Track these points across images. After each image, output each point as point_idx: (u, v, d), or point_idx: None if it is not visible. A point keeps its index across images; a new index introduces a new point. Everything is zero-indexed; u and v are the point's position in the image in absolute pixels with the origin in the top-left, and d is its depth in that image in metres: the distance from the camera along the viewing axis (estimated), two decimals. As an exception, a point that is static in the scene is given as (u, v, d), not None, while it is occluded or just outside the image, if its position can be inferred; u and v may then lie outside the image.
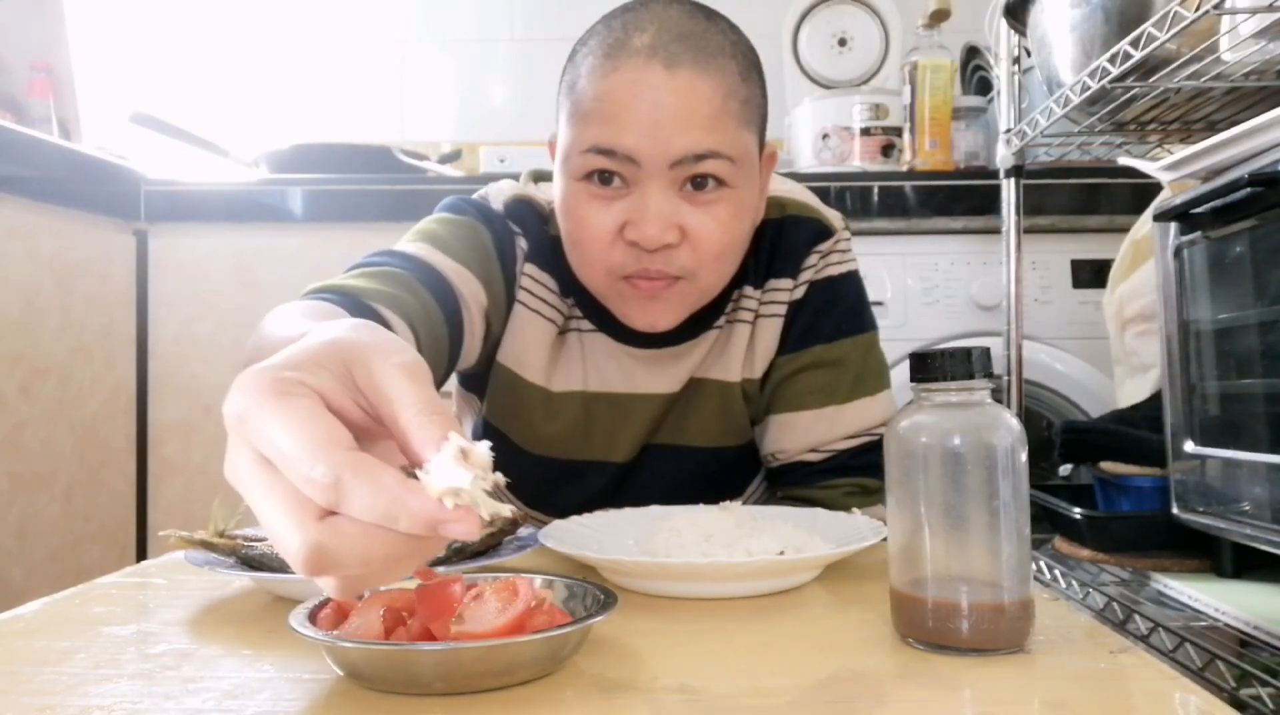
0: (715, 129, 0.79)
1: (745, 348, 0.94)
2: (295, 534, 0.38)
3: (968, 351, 0.54)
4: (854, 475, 0.92)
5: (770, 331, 0.94)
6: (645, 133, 0.78)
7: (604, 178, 0.80)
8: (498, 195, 0.94)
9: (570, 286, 0.92)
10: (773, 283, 0.94)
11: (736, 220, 0.83)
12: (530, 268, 0.92)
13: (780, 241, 0.94)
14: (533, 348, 0.92)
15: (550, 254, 0.92)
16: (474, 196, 0.95)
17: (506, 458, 0.97)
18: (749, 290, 0.94)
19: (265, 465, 0.39)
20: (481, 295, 0.86)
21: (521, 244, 0.92)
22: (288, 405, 0.38)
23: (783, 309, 0.94)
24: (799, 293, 0.94)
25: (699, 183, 0.80)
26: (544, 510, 0.98)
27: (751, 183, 0.85)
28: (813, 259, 0.94)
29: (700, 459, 0.96)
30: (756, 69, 0.85)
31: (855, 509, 0.79)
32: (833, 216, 0.96)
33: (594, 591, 0.54)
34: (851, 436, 0.93)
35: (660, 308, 0.84)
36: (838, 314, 0.94)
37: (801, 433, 0.93)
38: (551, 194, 0.93)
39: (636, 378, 0.93)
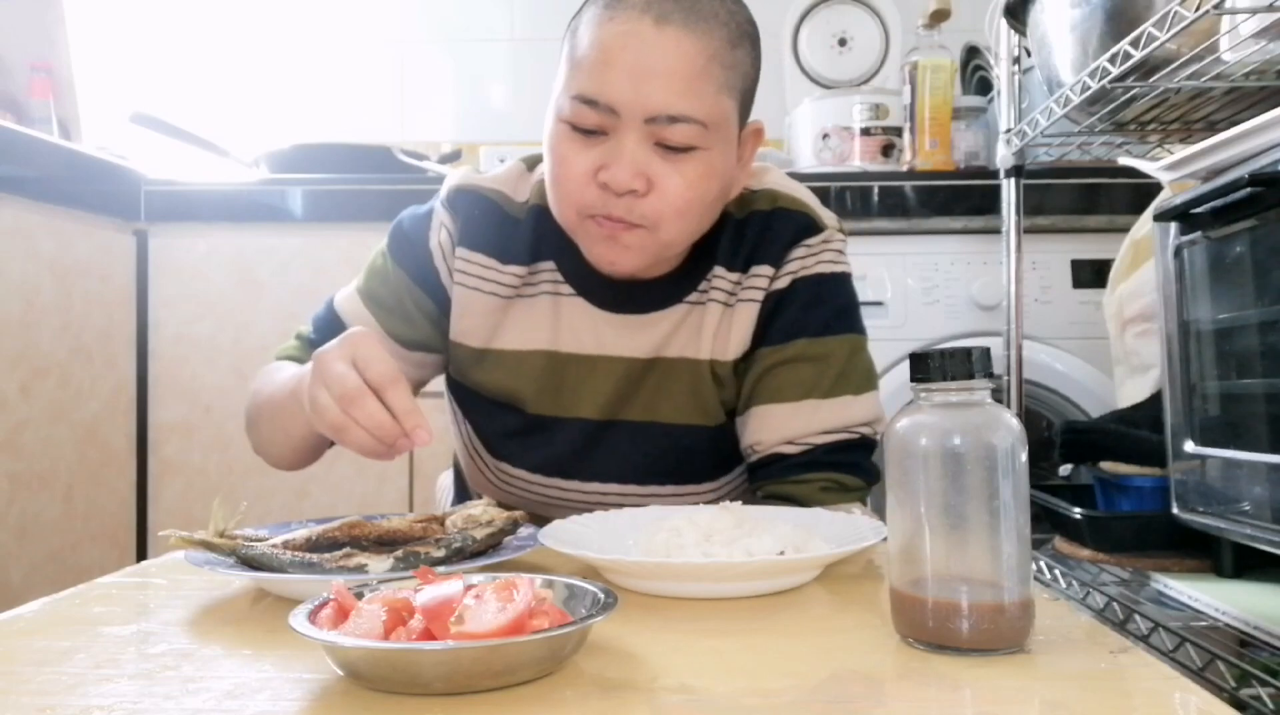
0: (691, 91, 0.83)
1: (717, 329, 0.96)
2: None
3: (968, 351, 0.54)
4: (830, 471, 0.92)
5: (746, 317, 0.95)
6: (627, 85, 0.83)
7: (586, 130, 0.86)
8: (446, 186, 1.01)
9: (527, 256, 0.97)
10: (753, 270, 0.95)
11: (703, 180, 0.86)
12: (461, 251, 0.97)
13: (766, 232, 0.96)
14: (475, 319, 0.97)
15: (491, 234, 0.97)
16: (438, 195, 1.02)
17: (476, 409, 1.02)
18: (724, 272, 0.95)
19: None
20: (402, 333, 0.98)
21: (443, 238, 0.98)
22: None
23: (760, 296, 0.95)
24: (781, 283, 0.95)
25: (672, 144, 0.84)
26: (512, 462, 1.01)
27: (727, 147, 0.88)
28: (799, 252, 0.95)
29: (673, 435, 0.97)
30: (750, 39, 0.89)
31: (855, 507, 0.79)
32: (825, 216, 0.98)
33: (594, 591, 0.54)
34: (829, 431, 0.93)
35: (620, 249, 0.88)
36: (827, 311, 0.95)
37: (779, 424, 0.93)
38: (517, 173, 1.01)
39: (605, 340, 0.96)
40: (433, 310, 0.99)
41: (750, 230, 0.95)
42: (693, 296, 0.96)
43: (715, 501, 0.86)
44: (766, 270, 0.95)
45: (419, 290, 0.98)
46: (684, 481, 0.99)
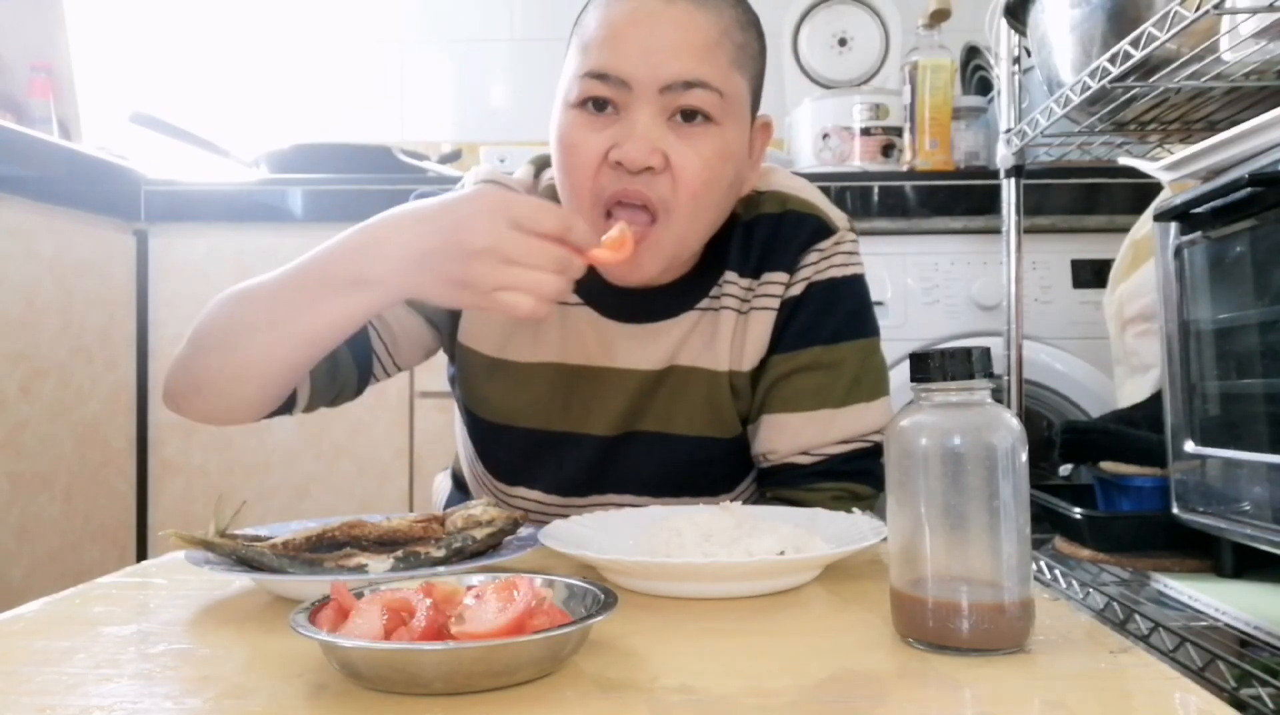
0: (706, 59, 0.82)
1: (732, 338, 0.94)
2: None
3: (968, 351, 0.54)
4: (843, 480, 0.92)
5: (761, 325, 0.93)
6: (638, 56, 0.81)
7: (598, 104, 0.83)
8: (471, 179, 0.98)
9: None
10: (766, 276, 0.93)
11: (719, 160, 0.84)
12: None
13: (777, 236, 0.94)
14: (489, 326, 0.94)
15: None
16: (459, 184, 0.99)
17: (483, 434, 0.98)
18: (735, 277, 0.94)
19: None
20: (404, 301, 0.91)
21: None
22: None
23: (775, 303, 0.93)
24: (796, 289, 0.93)
25: (688, 115, 0.83)
26: (527, 485, 0.98)
27: (740, 129, 0.86)
28: (811, 257, 0.93)
29: (687, 448, 0.95)
30: (756, 29, 0.88)
31: (856, 509, 0.79)
32: (836, 217, 0.96)
33: (594, 591, 0.54)
34: (844, 441, 0.92)
35: (635, 255, 0.85)
36: (839, 316, 0.94)
37: (793, 434, 0.92)
38: (529, 176, 0.99)
39: (616, 351, 0.94)
40: None
41: (759, 233, 0.94)
42: (704, 303, 0.94)
43: None
44: (781, 277, 0.93)
45: None
46: (698, 494, 0.97)
